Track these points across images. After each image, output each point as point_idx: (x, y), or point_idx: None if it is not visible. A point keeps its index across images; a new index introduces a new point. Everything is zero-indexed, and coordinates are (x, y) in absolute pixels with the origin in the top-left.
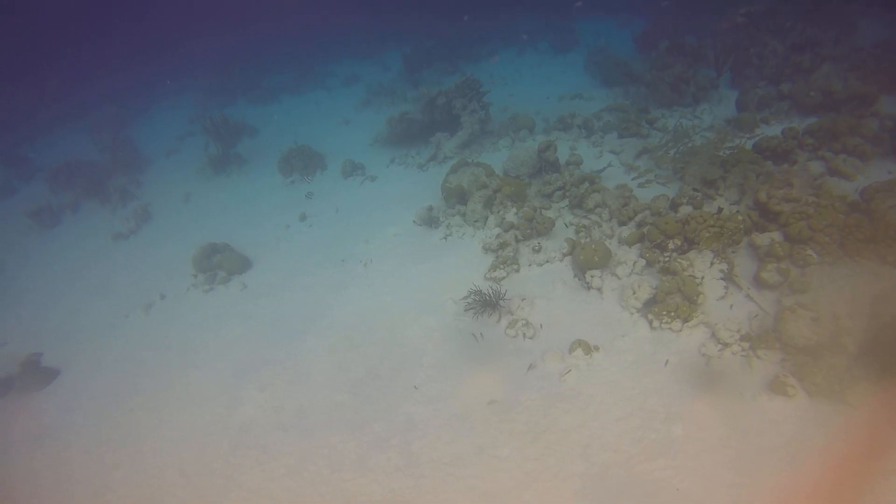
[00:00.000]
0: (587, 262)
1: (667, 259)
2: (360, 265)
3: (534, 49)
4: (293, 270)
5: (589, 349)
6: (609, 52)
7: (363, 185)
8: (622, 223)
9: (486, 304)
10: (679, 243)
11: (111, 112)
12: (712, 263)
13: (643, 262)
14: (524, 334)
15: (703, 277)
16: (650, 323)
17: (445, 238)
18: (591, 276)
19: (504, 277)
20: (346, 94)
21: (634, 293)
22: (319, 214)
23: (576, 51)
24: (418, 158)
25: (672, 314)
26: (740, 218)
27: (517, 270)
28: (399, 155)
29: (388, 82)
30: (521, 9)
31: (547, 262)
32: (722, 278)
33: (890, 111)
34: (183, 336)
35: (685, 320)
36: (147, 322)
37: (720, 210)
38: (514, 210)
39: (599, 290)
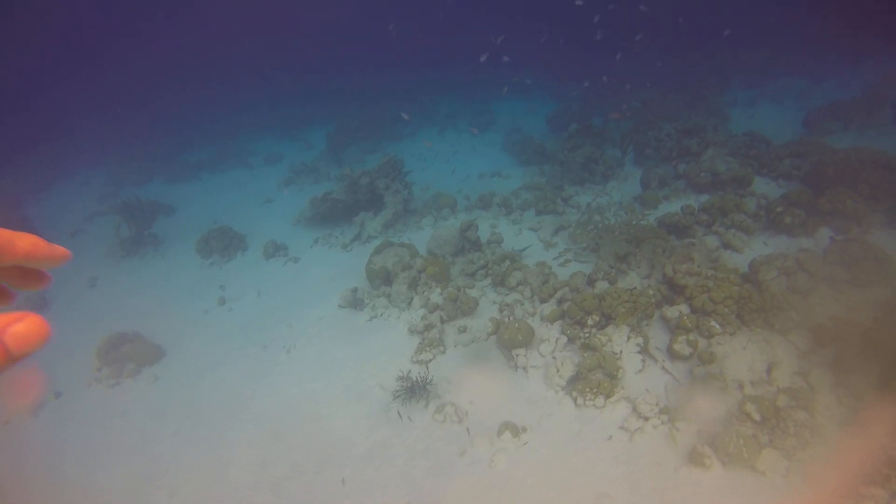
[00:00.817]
0: (511, 341)
1: (587, 335)
2: (283, 351)
3: (454, 128)
4: (211, 359)
5: (517, 431)
6: (524, 133)
7: (286, 266)
8: (543, 300)
9: (414, 389)
10: (597, 319)
11: (5, 186)
12: (629, 338)
13: (565, 338)
14: (452, 419)
15: (621, 352)
16: (574, 400)
17: (371, 320)
18: (517, 355)
19: (431, 360)
20: (268, 173)
21: (558, 371)
22: (240, 298)
23: (493, 130)
24: (342, 238)
25: (595, 391)
26: (651, 292)
27: (443, 352)
28: (323, 235)
29: (312, 161)
30: (442, 90)
31: (472, 342)
32: (639, 352)
33: (762, 191)
34: (81, 438)
35: (607, 396)
36: (35, 426)
37: (635, 288)
38: (439, 290)
39: (525, 368)
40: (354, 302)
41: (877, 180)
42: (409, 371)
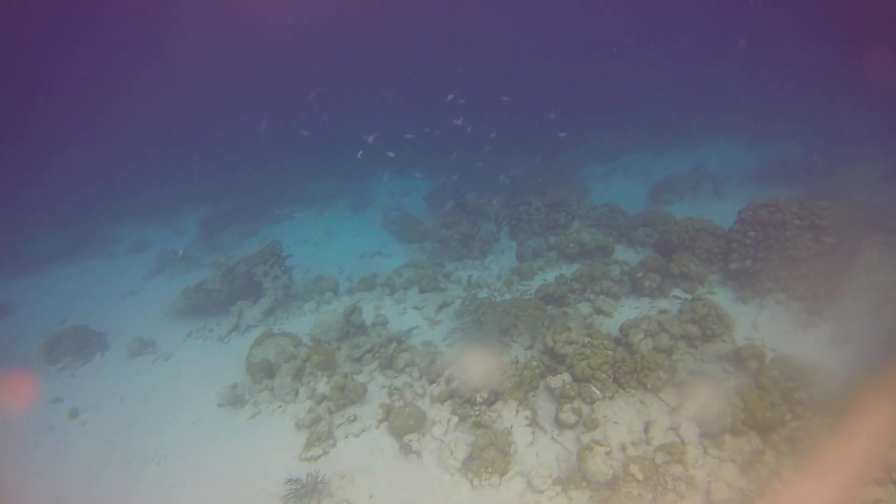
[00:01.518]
0: (403, 427)
1: (477, 413)
2: (151, 464)
3: (333, 208)
4: (57, 489)
5: None
6: (403, 211)
7: (154, 365)
8: (432, 381)
9: (304, 491)
10: (486, 395)
11: None
12: (518, 412)
13: (456, 418)
14: None
15: (511, 427)
16: (471, 482)
17: (253, 418)
18: (409, 440)
19: (321, 455)
20: (133, 262)
21: (452, 453)
22: (97, 406)
23: (373, 209)
24: (219, 330)
25: (489, 469)
26: (535, 363)
27: (334, 445)
28: (197, 328)
29: (184, 248)
30: (320, 171)
31: (363, 431)
32: (528, 425)
33: (623, 258)
34: None
35: (502, 474)
36: None
37: (517, 360)
38: (325, 379)
39: (418, 453)
40: (234, 399)
41: (709, 245)
42: (308, 476)
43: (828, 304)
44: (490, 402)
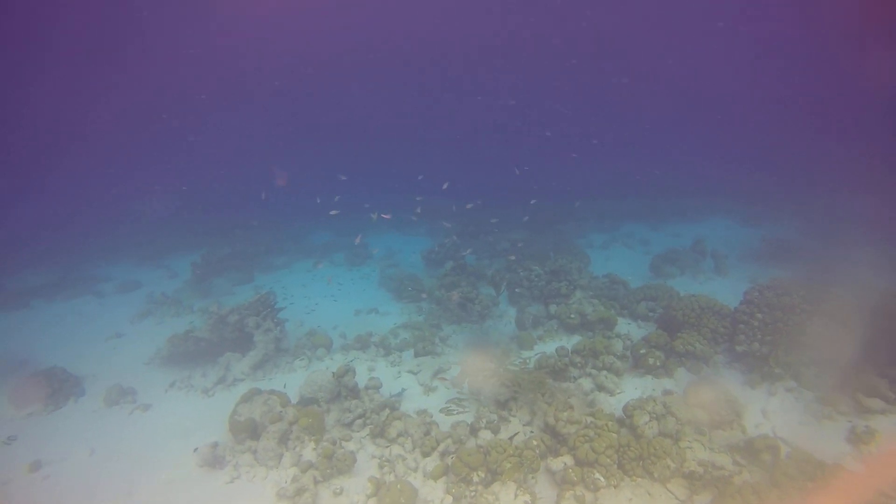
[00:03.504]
0: None
1: (473, 494)
2: None
3: (329, 262)
4: None
5: None
6: (401, 268)
7: (132, 416)
8: (426, 454)
9: None
10: (483, 475)
11: None
12: (516, 495)
13: (450, 498)
14: None
15: None
16: None
17: (232, 482)
18: None
19: None
20: (121, 303)
21: None
22: (64, 459)
23: (369, 264)
24: (204, 381)
25: None
26: (535, 444)
27: None
28: (181, 377)
29: (175, 291)
30: (316, 222)
31: None
32: None
33: (625, 331)
34: None
35: None
36: None
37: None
38: (312, 445)
39: None
40: (214, 460)
41: (714, 325)
42: None
43: (842, 396)
44: (487, 483)
